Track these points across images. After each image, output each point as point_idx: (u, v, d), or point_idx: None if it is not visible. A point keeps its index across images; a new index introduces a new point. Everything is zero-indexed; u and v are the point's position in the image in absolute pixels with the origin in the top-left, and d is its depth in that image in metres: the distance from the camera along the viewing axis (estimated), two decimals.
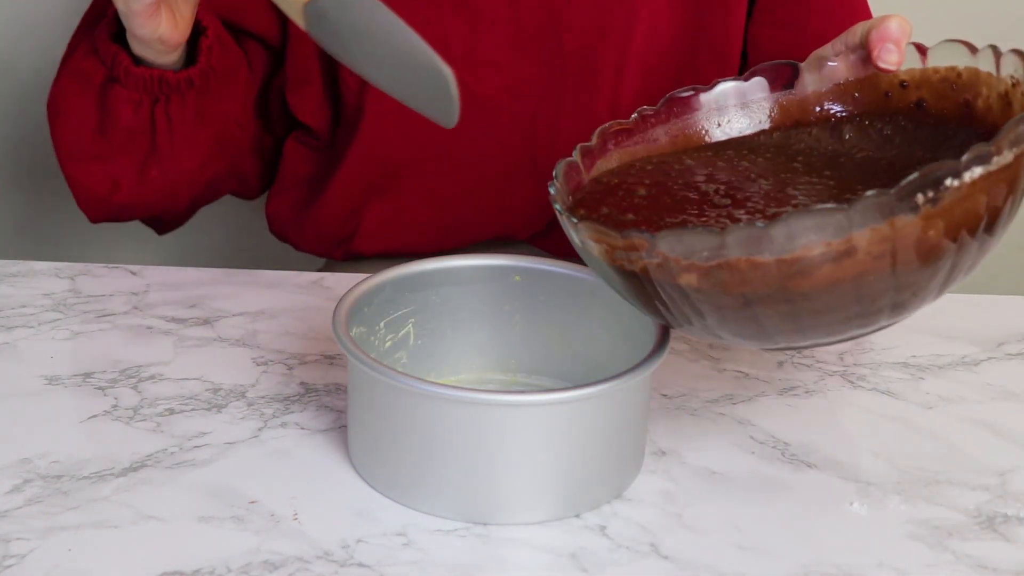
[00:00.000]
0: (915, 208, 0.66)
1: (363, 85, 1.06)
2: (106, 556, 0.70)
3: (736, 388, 0.89)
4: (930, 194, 0.67)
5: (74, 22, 1.39)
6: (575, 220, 0.73)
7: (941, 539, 0.74)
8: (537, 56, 1.05)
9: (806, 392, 0.89)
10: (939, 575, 0.71)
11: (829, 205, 0.66)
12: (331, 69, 1.08)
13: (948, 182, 0.67)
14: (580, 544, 0.72)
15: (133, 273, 1.02)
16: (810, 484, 0.79)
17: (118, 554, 0.70)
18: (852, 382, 0.90)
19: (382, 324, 0.83)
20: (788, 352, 0.93)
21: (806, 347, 0.76)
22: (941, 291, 0.72)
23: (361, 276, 0.84)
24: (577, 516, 0.74)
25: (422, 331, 0.85)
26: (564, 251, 0.95)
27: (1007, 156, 0.69)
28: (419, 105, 0.78)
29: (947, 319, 0.99)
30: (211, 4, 1.02)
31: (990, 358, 0.94)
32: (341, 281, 1.02)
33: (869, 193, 0.65)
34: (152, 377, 0.87)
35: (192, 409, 0.83)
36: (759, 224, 0.66)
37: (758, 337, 0.72)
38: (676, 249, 0.68)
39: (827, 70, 0.87)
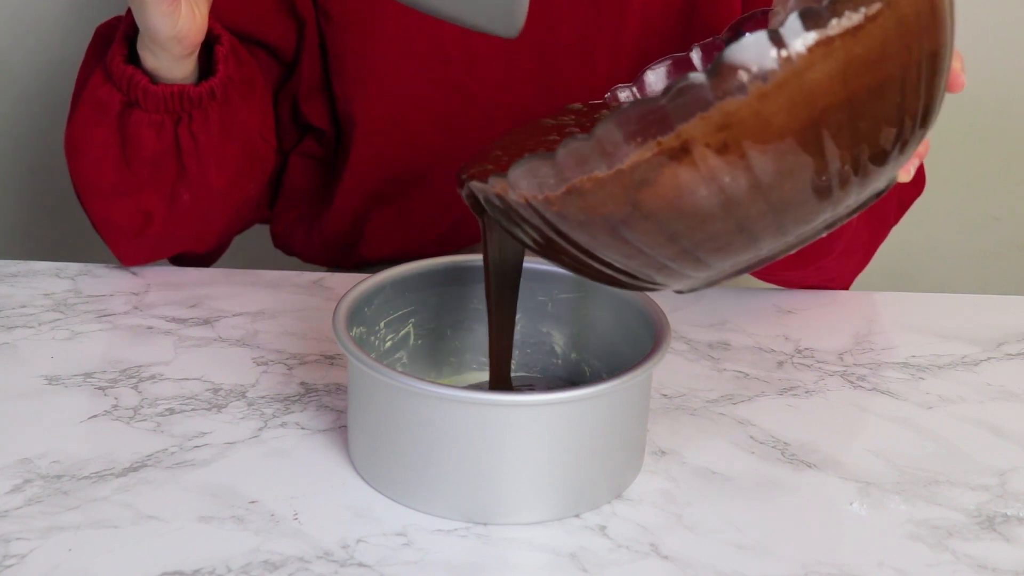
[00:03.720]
0: (742, 88, 0.58)
1: (353, 94, 1.05)
2: (106, 556, 0.70)
3: (736, 388, 0.89)
4: (755, 69, 0.58)
5: (75, 22, 1.40)
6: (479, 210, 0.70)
7: (941, 539, 0.74)
8: (532, 50, 1.05)
9: (806, 392, 0.89)
10: (939, 575, 0.71)
11: (646, 99, 0.58)
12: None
13: (773, 53, 0.58)
14: (580, 544, 0.72)
15: (133, 273, 1.02)
16: (810, 484, 0.79)
17: (118, 554, 0.70)
18: (852, 382, 0.90)
19: (382, 324, 0.83)
20: (787, 351, 0.93)
21: (725, 276, 0.68)
22: (837, 204, 0.64)
23: (361, 276, 0.84)
24: (577, 516, 0.74)
25: (422, 331, 0.85)
26: None
27: (853, 17, 0.59)
28: (477, 18, 0.73)
29: (947, 319, 1.00)
30: (225, 16, 1.01)
31: (990, 358, 0.94)
32: (341, 281, 1.02)
33: (687, 77, 0.58)
34: (152, 377, 0.87)
35: (192, 409, 0.83)
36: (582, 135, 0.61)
37: (660, 270, 0.66)
38: (525, 182, 0.64)
39: (793, 3, 0.78)
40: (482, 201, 0.70)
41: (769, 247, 0.66)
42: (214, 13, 0.99)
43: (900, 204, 1.05)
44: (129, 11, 0.92)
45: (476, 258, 0.85)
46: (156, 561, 0.69)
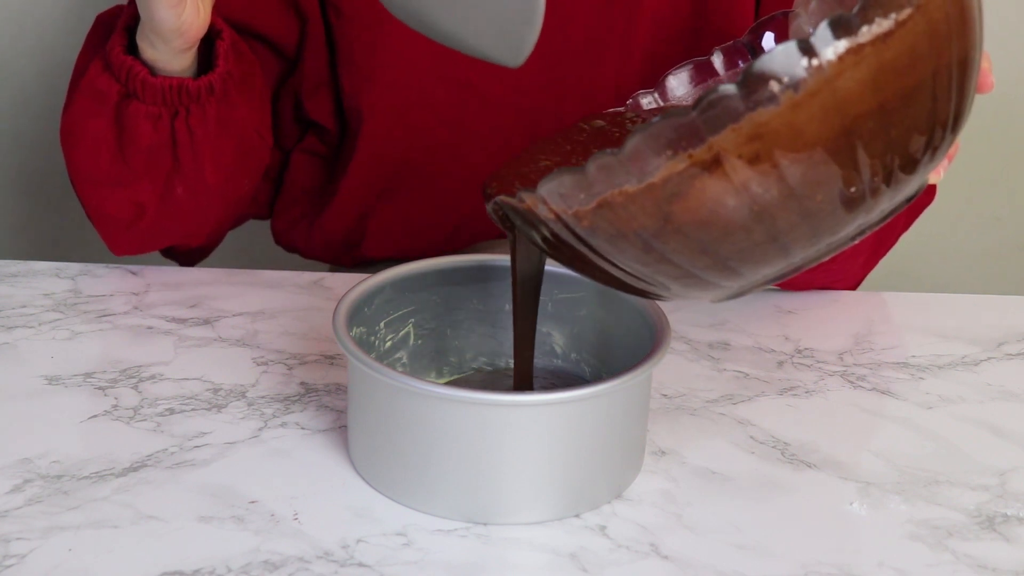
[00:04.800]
0: (773, 99, 0.58)
1: (362, 88, 1.05)
2: (106, 556, 0.70)
3: (736, 388, 0.89)
4: (785, 79, 0.57)
5: (75, 22, 1.40)
6: (503, 219, 0.70)
7: (941, 539, 0.74)
8: (541, 48, 1.04)
9: (806, 392, 0.89)
10: (939, 575, 0.71)
11: (676, 112, 0.58)
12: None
13: (804, 63, 0.57)
14: (580, 544, 0.72)
15: (133, 273, 1.02)
16: (810, 484, 0.79)
17: (118, 554, 0.70)
18: (852, 382, 0.90)
19: (382, 324, 0.83)
20: (787, 351, 0.93)
21: (757, 285, 0.68)
22: (869, 211, 0.64)
23: (361, 276, 0.84)
24: (577, 516, 0.74)
25: (422, 331, 0.85)
26: None
27: (883, 24, 0.58)
28: (484, 44, 0.72)
29: (947, 319, 1.00)
30: (226, 8, 1.01)
31: (990, 358, 0.94)
32: (341, 281, 1.02)
33: (718, 88, 0.58)
34: (152, 377, 0.87)
35: (192, 409, 0.83)
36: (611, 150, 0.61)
37: (691, 281, 0.66)
38: (555, 197, 0.64)
39: (815, 6, 0.77)
40: (508, 213, 0.70)
41: (802, 256, 0.66)
42: (215, 6, 0.98)
43: (909, 211, 1.04)
44: (131, 1, 0.92)
45: (477, 258, 0.85)
46: (156, 561, 0.69)
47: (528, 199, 0.66)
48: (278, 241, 1.16)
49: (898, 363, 0.93)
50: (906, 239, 1.28)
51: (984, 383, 0.91)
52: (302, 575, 0.69)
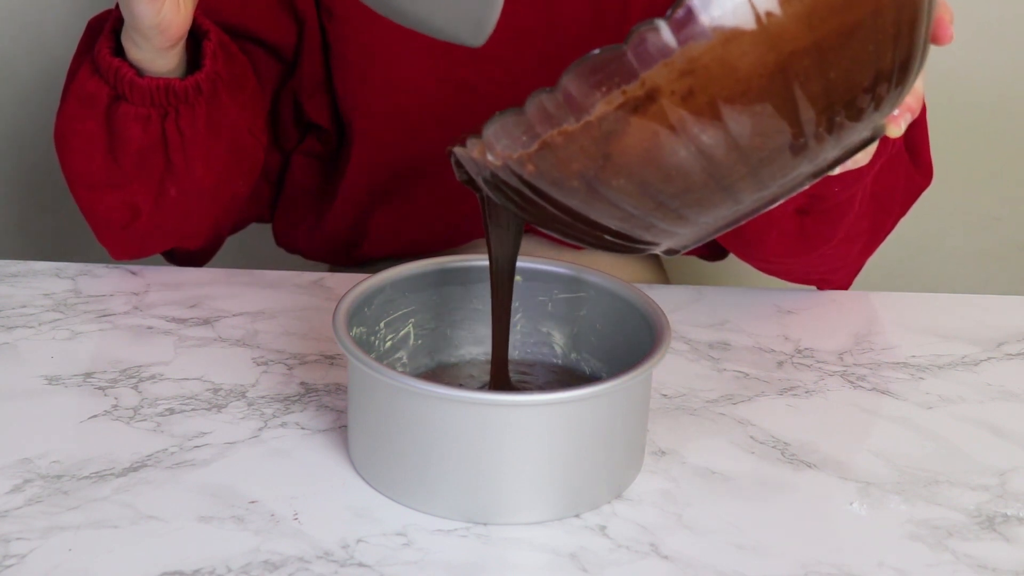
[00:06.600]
0: (704, 33, 0.57)
1: (356, 90, 1.05)
2: (106, 556, 0.70)
3: (736, 388, 0.89)
4: (716, 13, 0.57)
5: (75, 21, 1.40)
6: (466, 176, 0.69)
7: (941, 539, 0.74)
8: (536, 49, 1.05)
9: (806, 392, 0.89)
10: (939, 575, 0.71)
11: (609, 47, 0.58)
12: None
13: None
14: (580, 544, 0.72)
15: (133, 273, 1.02)
16: (810, 484, 0.79)
17: (118, 554, 0.70)
18: (852, 382, 0.90)
19: (382, 324, 0.83)
20: (787, 351, 0.93)
21: (712, 231, 0.67)
22: (814, 157, 0.62)
23: (361, 276, 0.84)
24: (577, 516, 0.74)
25: (422, 331, 0.85)
26: None
27: None
28: (446, 25, 0.72)
29: (947, 319, 1.00)
30: (223, 13, 1.01)
31: (990, 358, 0.94)
32: (341, 281, 1.02)
33: (649, 22, 0.57)
34: (152, 377, 0.87)
35: (192, 409, 0.83)
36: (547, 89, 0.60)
37: (647, 229, 0.65)
38: (500, 141, 0.63)
39: None
40: (473, 176, 0.70)
41: (751, 199, 0.64)
42: (211, 11, 0.98)
43: (906, 194, 1.04)
44: (118, 5, 0.92)
45: (476, 258, 0.85)
46: (156, 561, 0.69)
47: (476, 147, 0.65)
48: (279, 242, 1.16)
49: (898, 363, 0.93)
50: (905, 239, 1.28)
51: (984, 383, 0.91)
52: (302, 575, 0.69)
